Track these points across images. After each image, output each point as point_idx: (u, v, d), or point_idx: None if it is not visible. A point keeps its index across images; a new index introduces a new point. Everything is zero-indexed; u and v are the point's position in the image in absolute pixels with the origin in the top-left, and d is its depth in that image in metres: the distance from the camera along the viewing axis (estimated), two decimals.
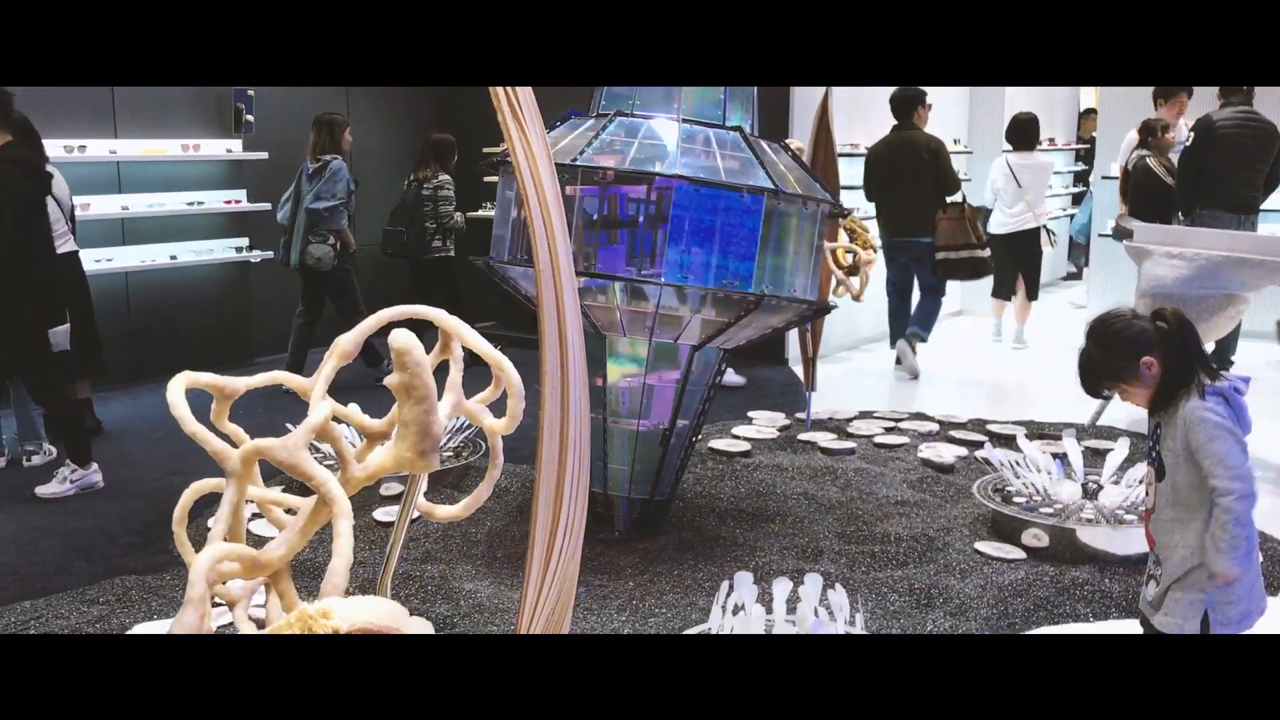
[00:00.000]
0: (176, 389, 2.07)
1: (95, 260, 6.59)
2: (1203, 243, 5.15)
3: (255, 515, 3.93)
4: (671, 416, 4.11)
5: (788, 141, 5.65)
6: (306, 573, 3.71)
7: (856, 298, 5.86)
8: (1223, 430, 2.36)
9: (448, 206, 7.11)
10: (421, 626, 1.79)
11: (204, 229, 7.45)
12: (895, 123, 7.16)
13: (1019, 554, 3.98)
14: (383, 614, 1.67)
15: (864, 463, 5.16)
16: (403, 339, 2.01)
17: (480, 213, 8.26)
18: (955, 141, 9.24)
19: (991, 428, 5.71)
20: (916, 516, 4.42)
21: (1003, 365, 7.76)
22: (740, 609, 2.95)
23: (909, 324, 7.32)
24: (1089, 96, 11.87)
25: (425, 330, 2.27)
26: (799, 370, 6.28)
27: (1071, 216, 11.24)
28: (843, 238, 5.94)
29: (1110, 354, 2.50)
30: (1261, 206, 6.50)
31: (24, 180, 4.56)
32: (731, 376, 6.83)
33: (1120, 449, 4.48)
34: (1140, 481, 4.06)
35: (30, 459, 5.27)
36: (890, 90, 7.19)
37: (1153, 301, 4.58)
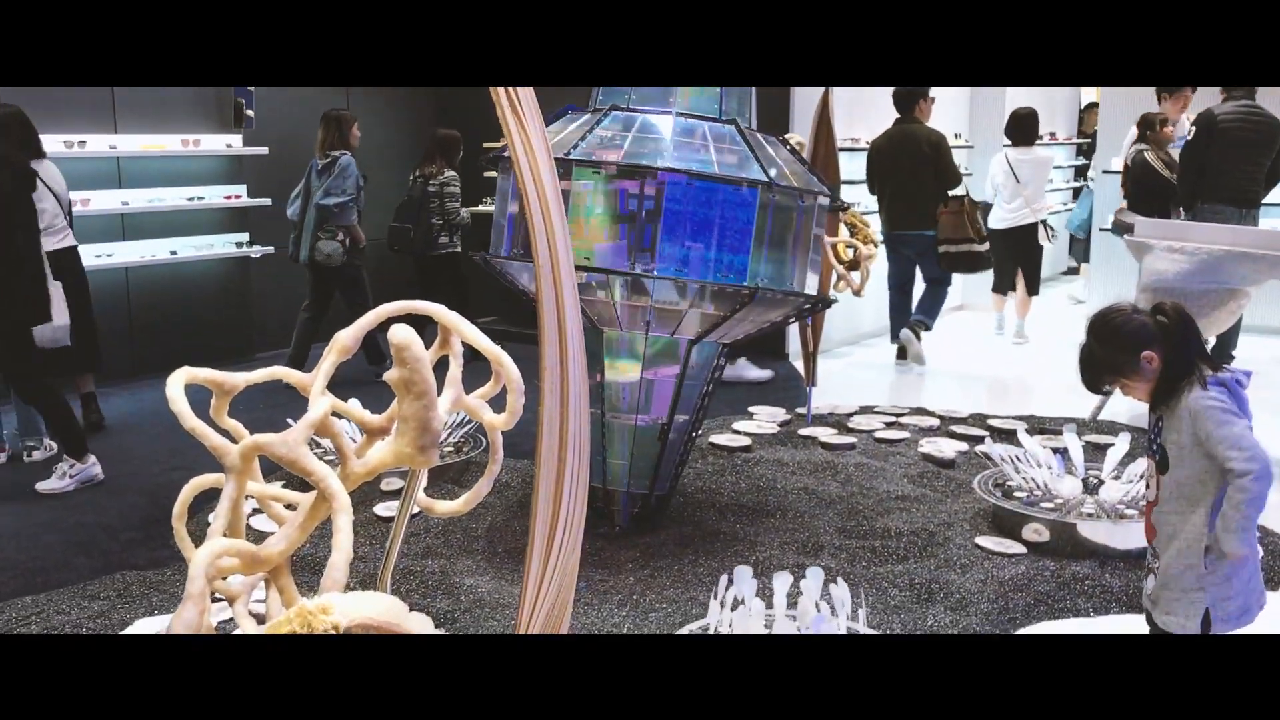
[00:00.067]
0: (176, 384, 2.07)
1: (95, 256, 6.58)
2: (1204, 237, 5.14)
3: (255, 511, 3.93)
4: (669, 411, 4.11)
5: (788, 136, 5.65)
6: (307, 568, 3.71)
7: (857, 292, 5.86)
8: (1230, 414, 2.36)
9: (454, 203, 7.10)
10: (422, 622, 1.78)
11: (204, 224, 7.44)
12: (897, 116, 7.18)
13: (1020, 549, 3.98)
14: (383, 609, 1.67)
15: (864, 458, 5.16)
16: (402, 334, 2.01)
17: (480, 208, 8.25)
18: (956, 136, 9.23)
19: (992, 423, 5.71)
20: (917, 511, 4.42)
21: (1003, 360, 7.76)
22: (740, 603, 2.95)
23: (914, 313, 7.35)
24: (1091, 91, 11.85)
25: (426, 326, 2.27)
26: (800, 365, 6.27)
27: (1070, 212, 11.23)
28: (843, 232, 5.94)
29: (1111, 349, 2.50)
30: (1263, 201, 6.50)
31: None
32: (756, 371, 6.83)
33: (1121, 444, 4.48)
34: (1140, 477, 4.06)
35: (31, 454, 5.28)
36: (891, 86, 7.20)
37: (1154, 296, 4.57)
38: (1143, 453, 3.06)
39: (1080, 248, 10.40)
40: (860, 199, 7.68)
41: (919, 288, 7.47)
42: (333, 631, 1.57)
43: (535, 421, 1.93)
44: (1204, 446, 2.38)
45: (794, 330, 6.72)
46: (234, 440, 2.08)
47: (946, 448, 5.18)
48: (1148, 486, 2.60)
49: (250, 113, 7.52)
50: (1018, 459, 4.42)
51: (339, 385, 2.24)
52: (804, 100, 7.28)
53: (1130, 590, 3.62)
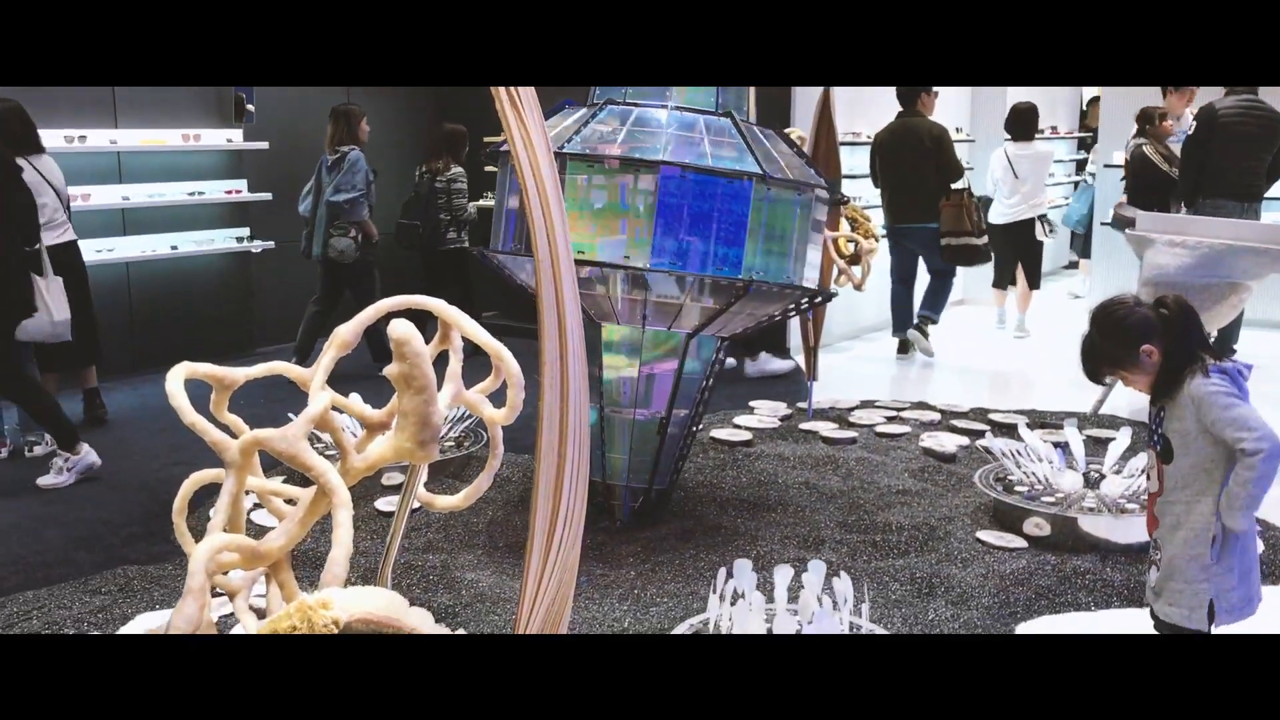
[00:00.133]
0: (175, 379, 2.06)
1: (96, 250, 6.58)
2: (1206, 231, 5.14)
3: (255, 506, 3.93)
4: (668, 405, 4.11)
5: (789, 130, 5.65)
6: (307, 563, 3.71)
7: (858, 287, 5.86)
8: (1233, 398, 2.37)
9: (461, 199, 7.09)
10: (422, 617, 1.78)
11: (205, 219, 7.44)
12: (900, 110, 7.19)
13: (1021, 543, 3.98)
14: (383, 604, 1.67)
15: (865, 452, 5.16)
16: (401, 329, 2.00)
17: (481, 202, 8.24)
18: (958, 130, 9.23)
19: (993, 417, 5.71)
20: (918, 506, 4.42)
21: (1004, 354, 7.76)
22: (740, 596, 2.94)
23: (920, 307, 7.35)
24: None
25: (427, 321, 2.26)
26: (801, 359, 6.27)
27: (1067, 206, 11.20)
28: (844, 226, 5.94)
29: (1112, 342, 2.51)
30: (1265, 195, 6.49)
31: None
32: (779, 362, 6.82)
33: (1122, 438, 4.47)
34: (1142, 471, 4.06)
35: (32, 449, 5.28)
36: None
37: (1155, 290, 4.57)
38: (1144, 447, 3.06)
39: (1080, 242, 10.39)
40: (862, 194, 7.67)
41: (921, 281, 7.47)
42: (333, 626, 1.57)
43: (535, 416, 1.93)
44: (1210, 433, 2.39)
45: (795, 324, 6.71)
46: (234, 435, 2.08)
47: (947, 442, 5.17)
48: (1149, 479, 2.60)
49: (251, 108, 7.51)
50: (1019, 453, 4.42)
51: (339, 380, 2.23)
52: (805, 95, 7.27)
53: (1131, 584, 3.62)
